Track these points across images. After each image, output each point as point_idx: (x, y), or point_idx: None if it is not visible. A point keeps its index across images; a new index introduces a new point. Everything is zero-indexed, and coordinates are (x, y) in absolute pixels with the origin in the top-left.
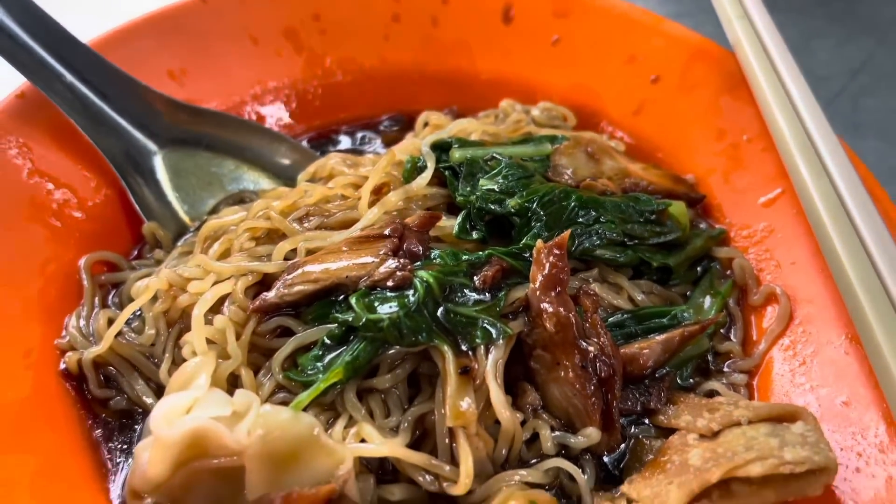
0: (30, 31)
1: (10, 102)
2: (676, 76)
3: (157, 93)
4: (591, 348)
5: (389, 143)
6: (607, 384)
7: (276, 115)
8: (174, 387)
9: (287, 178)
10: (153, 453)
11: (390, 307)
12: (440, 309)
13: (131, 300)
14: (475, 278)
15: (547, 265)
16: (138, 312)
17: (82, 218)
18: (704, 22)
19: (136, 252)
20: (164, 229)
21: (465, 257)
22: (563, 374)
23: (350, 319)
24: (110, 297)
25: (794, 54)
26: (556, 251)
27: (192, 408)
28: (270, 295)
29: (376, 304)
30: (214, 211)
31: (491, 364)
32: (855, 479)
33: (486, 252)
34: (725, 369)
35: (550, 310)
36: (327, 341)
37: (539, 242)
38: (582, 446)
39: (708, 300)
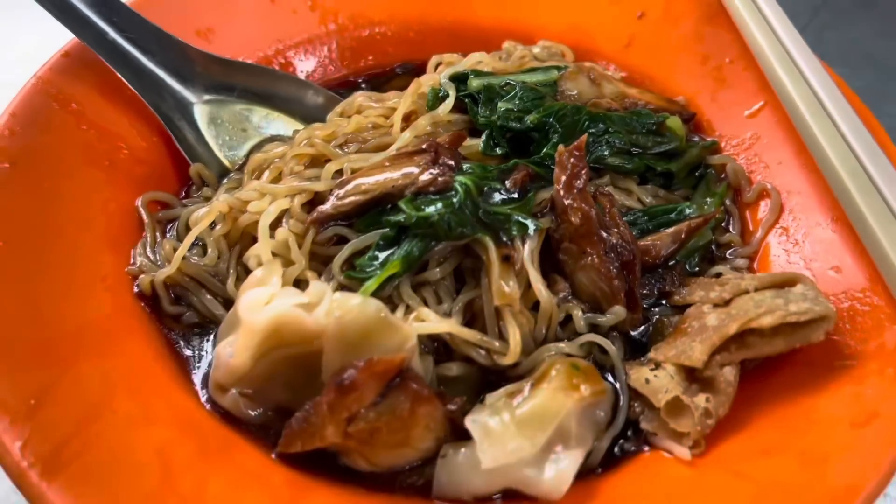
0: None
1: (57, 61)
2: (660, 11)
3: (192, 47)
4: (612, 237)
5: (402, 88)
6: (628, 267)
7: (296, 68)
8: (245, 291)
9: (315, 120)
10: (241, 341)
11: (437, 207)
12: (479, 208)
13: (188, 229)
14: (506, 182)
15: (569, 165)
16: (197, 242)
17: (134, 162)
18: None
19: (184, 192)
20: (208, 170)
21: (493, 167)
22: (589, 261)
23: (402, 220)
24: (167, 231)
25: None
26: (577, 153)
27: (271, 300)
28: (326, 207)
29: (423, 205)
30: (250, 154)
31: (528, 252)
32: (849, 331)
33: (513, 161)
34: (728, 256)
35: (574, 205)
36: (381, 243)
37: (560, 147)
38: (610, 323)
39: (707, 200)
